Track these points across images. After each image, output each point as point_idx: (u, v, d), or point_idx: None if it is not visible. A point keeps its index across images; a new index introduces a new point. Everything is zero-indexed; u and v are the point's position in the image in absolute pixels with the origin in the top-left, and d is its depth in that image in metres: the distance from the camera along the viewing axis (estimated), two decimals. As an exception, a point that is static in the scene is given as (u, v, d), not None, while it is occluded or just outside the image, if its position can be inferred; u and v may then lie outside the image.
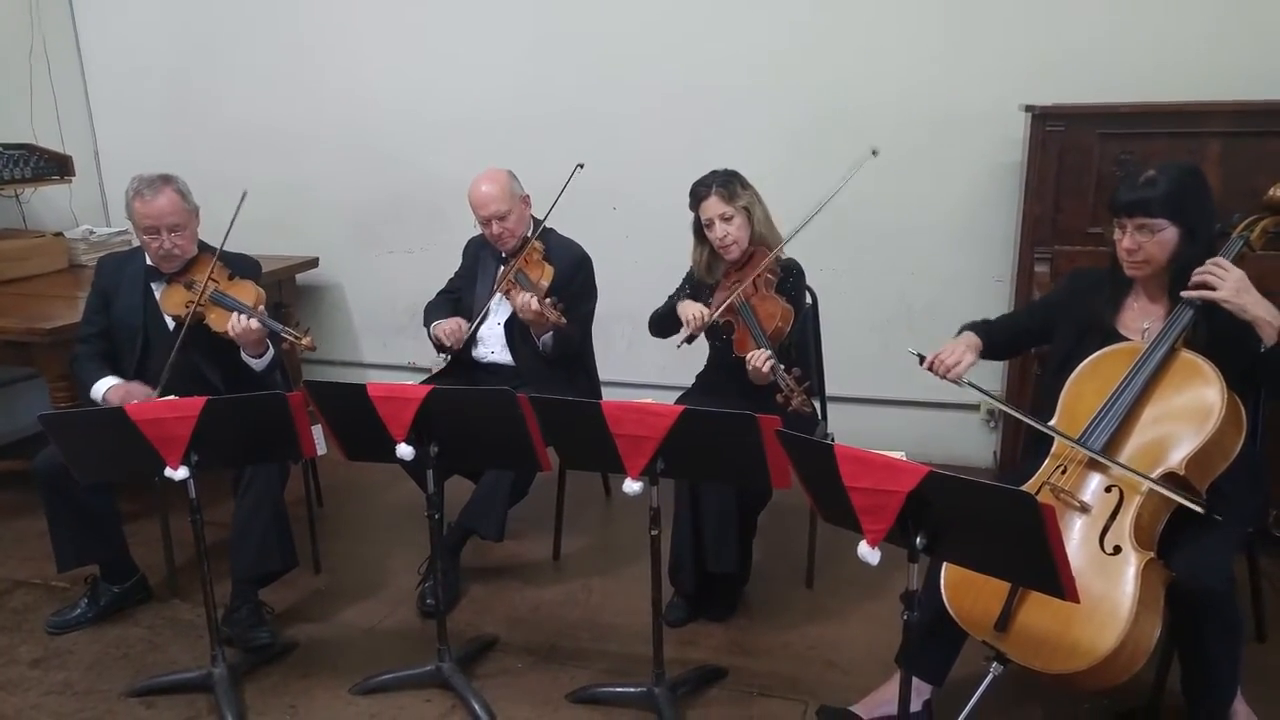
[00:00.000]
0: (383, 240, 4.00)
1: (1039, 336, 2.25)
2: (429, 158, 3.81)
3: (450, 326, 2.82)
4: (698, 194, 2.55)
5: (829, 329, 2.85)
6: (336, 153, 3.94)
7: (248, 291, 2.58)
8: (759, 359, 2.32)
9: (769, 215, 2.59)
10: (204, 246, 2.67)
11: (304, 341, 2.50)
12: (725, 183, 2.51)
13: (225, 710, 2.17)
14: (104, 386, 2.56)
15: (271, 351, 2.64)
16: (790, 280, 2.59)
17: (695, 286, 2.72)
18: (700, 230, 2.60)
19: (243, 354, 2.58)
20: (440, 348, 2.85)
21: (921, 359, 2.12)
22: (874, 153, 2.37)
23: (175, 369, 2.50)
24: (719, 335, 2.62)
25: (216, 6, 3.94)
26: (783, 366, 2.30)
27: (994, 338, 2.23)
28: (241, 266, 2.69)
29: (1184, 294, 1.89)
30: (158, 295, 2.64)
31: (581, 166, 2.71)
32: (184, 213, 2.55)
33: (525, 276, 2.69)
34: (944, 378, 2.11)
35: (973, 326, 2.23)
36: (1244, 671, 1.88)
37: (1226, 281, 1.83)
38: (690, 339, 2.52)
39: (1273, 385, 1.94)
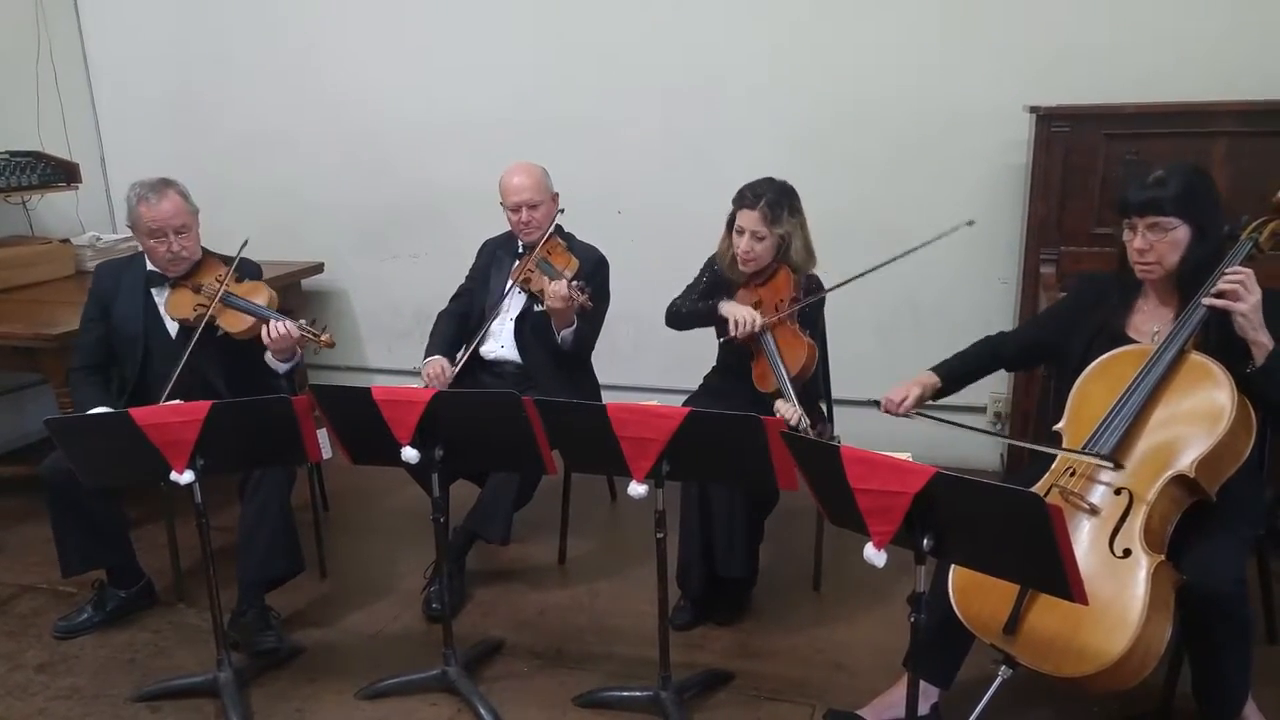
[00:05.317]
0: (388, 245, 4.01)
1: (1052, 349, 2.20)
2: (433, 163, 3.81)
3: (434, 370, 2.82)
4: (744, 199, 2.48)
5: (834, 331, 2.83)
6: (341, 159, 3.95)
7: (260, 292, 2.57)
8: (788, 412, 2.29)
9: (809, 245, 2.54)
10: (205, 250, 2.66)
11: (323, 339, 2.49)
12: (774, 203, 2.44)
13: (232, 714, 2.17)
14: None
15: (299, 354, 2.62)
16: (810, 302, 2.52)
17: (714, 276, 2.67)
18: (733, 225, 2.55)
19: (269, 357, 2.56)
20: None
21: (878, 405, 2.21)
22: (969, 223, 2.44)
23: (183, 375, 2.47)
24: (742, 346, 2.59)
25: (222, 14, 3.95)
26: (808, 422, 2.30)
27: (1005, 350, 2.26)
28: (246, 269, 2.68)
29: (1205, 301, 1.85)
30: (160, 301, 2.63)
31: (549, 260, 2.76)
32: (188, 215, 2.55)
33: (550, 265, 2.69)
34: (895, 414, 2.21)
35: (937, 366, 2.28)
36: (1255, 674, 1.86)
37: (1251, 297, 1.81)
38: (731, 340, 2.47)
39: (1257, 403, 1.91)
